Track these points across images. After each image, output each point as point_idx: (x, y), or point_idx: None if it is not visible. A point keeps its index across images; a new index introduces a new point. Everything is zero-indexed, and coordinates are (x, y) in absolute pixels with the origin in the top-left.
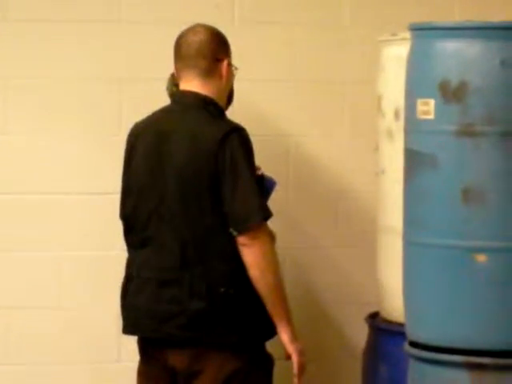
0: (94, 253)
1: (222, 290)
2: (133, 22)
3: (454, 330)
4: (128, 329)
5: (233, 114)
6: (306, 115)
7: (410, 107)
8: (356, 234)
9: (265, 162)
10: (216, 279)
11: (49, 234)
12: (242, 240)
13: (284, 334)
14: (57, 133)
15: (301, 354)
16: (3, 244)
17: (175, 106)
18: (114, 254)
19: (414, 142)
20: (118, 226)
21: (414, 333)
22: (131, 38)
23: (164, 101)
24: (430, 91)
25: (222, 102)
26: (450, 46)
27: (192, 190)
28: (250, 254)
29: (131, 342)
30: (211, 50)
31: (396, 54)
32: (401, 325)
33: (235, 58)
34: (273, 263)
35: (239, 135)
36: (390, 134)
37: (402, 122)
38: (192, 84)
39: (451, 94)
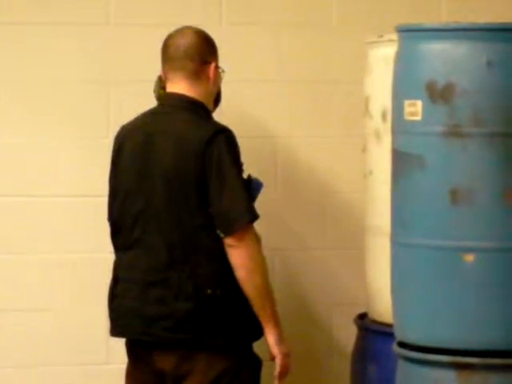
0: (82, 255)
1: (209, 291)
2: (120, 25)
3: (441, 331)
4: (116, 331)
5: (220, 115)
6: (293, 116)
7: (398, 108)
8: (344, 234)
9: (252, 163)
10: (203, 280)
11: (37, 236)
12: (228, 241)
13: (270, 336)
14: (45, 135)
15: (285, 356)
16: None
17: (162, 107)
18: (103, 257)
19: (402, 143)
20: (106, 229)
21: (403, 333)
22: (119, 40)
23: (152, 103)
24: (417, 92)
25: (208, 104)
26: (437, 48)
27: (179, 191)
28: (237, 255)
29: (120, 344)
30: (199, 52)
31: (383, 56)
32: (389, 325)
33: (222, 59)
34: (259, 264)
35: (226, 136)
36: (377, 135)
37: (389, 124)
38: (179, 86)
39: (438, 95)
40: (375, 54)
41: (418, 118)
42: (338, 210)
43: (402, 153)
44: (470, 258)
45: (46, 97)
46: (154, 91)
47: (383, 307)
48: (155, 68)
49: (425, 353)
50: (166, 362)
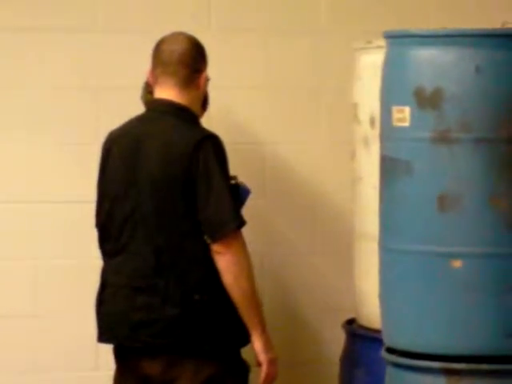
0: (70, 261)
1: (197, 296)
2: (108, 31)
3: (430, 336)
4: (103, 337)
5: (209, 121)
6: (282, 122)
7: (386, 114)
8: (333, 240)
9: (241, 169)
10: (190, 286)
11: (24, 242)
12: (216, 247)
13: (257, 342)
14: (33, 142)
15: (271, 363)
16: None
17: (150, 113)
18: (90, 263)
19: (390, 149)
20: (94, 235)
21: (391, 339)
22: (107, 46)
23: (140, 109)
24: (405, 98)
25: (196, 111)
26: (425, 54)
27: (166, 196)
28: (224, 261)
29: (108, 351)
30: (192, 60)
31: (371, 62)
32: (378, 331)
33: (211, 65)
34: (246, 270)
35: (213, 142)
36: (366, 142)
37: (377, 130)
38: (168, 92)
39: (426, 101)
40: (363, 60)
41: (407, 124)
42: (327, 215)
43: (391, 159)
44: (458, 263)
45: (35, 103)
46: (141, 98)
47: (372, 313)
48: (143, 74)
49: (413, 359)
50: (153, 368)
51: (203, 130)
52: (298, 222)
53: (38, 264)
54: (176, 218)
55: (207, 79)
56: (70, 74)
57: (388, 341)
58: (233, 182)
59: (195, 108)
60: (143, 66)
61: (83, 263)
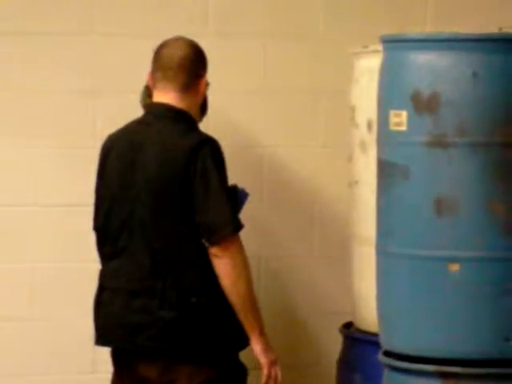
0: (67, 264)
1: (194, 299)
2: (106, 35)
3: (427, 340)
4: (100, 340)
5: (206, 125)
6: (279, 126)
7: (383, 119)
8: (330, 244)
9: (239, 172)
10: (187, 289)
11: (22, 245)
12: (213, 251)
13: (256, 345)
14: (31, 145)
15: (272, 365)
16: None
17: (149, 117)
18: (88, 266)
19: (387, 153)
20: (91, 238)
21: (388, 342)
22: (104, 50)
23: (138, 113)
24: (403, 103)
25: (195, 115)
26: (422, 58)
27: (163, 200)
28: (222, 264)
29: (105, 353)
30: (193, 65)
31: (368, 66)
32: (375, 334)
33: (209, 69)
34: (244, 273)
35: (211, 146)
36: (363, 145)
37: (375, 134)
38: (168, 97)
39: (423, 105)
40: (360, 64)
41: (404, 128)
42: (324, 219)
43: (388, 163)
44: (455, 267)
45: (31, 107)
46: (141, 101)
47: (369, 316)
48: (142, 78)
49: (410, 362)
50: (150, 371)
51: (201, 134)
52: (295, 226)
53: (35, 267)
54: (173, 222)
55: (207, 84)
56: (68, 78)
57: (385, 344)
58: (231, 185)
59: (194, 112)
60: (141, 70)
61: (80, 266)
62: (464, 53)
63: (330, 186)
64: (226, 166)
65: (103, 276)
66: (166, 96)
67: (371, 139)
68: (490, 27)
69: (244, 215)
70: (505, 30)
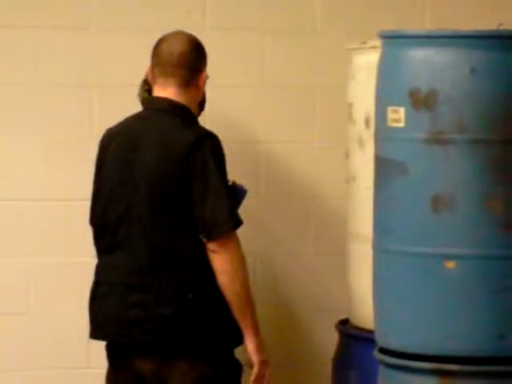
0: (63, 259)
1: (190, 295)
2: (104, 29)
3: (423, 337)
4: (95, 333)
5: (203, 119)
6: (276, 122)
7: (381, 115)
8: (327, 240)
9: (236, 168)
10: (184, 285)
11: (18, 240)
12: (211, 247)
13: (250, 343)
14: (27, 140)
15: (263, 365)
16: None
17: (148, 111)
18: (84, 260)
19: (385, 150)
20: (88, 233)
21: (384, 339)
22: (102, 44)
23: (136, 107)
24: (400, 99)
25: (194, 110)
26: (420, 54)
27: (162, 195)
28: (219, 260)
29: (100, 348)
30: (192, 60)
31: (366, 62)
32: (371, 331)
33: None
34: (241, 271)
35: (211, 141)
36: (360, 142)
37: (372, 130)
38: (168, 91)
39: (421, 102)
40: (358, 60)
41: (401, 124)
42: (321, 215)
43: (385, 159)
44: (451, 264)
45: (29, 100)
46: (139, 95)
47: (365, 313)
48: (139, 72)
49: (406, 359)
50: (145, 366)
51: (201, 129)
52: (291, 222)
53: (30, 261)
54: (172, 217)
55: (206, 78)
56: (66, 72)
57: (381, 341)
58: (229, 181)
59: (193, 107)
60: (139, 64)
61: (76, 261)
62: (462, 49)
63: (327, 182)
64: (225, 161)
65: (99, 270)
66: (165, 91)
67: (369, 135)
68: (489, 24)
69: (240, 211)
70: (503, 27)
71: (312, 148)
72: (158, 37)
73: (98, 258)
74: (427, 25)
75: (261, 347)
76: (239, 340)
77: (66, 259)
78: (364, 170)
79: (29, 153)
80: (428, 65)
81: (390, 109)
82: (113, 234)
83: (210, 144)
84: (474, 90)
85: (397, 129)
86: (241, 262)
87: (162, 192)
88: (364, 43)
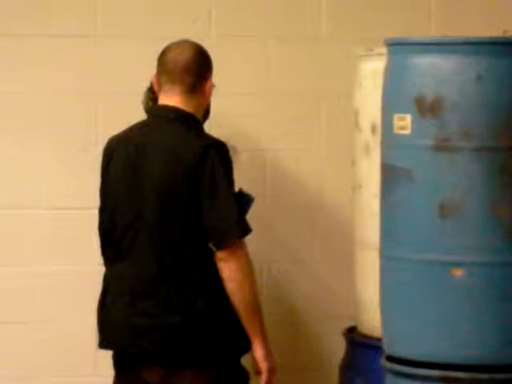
0: (70, 267)
1: (199, 303)
2: (108, 37)
3: (430, 345)
4: (104, 343)
5: (209, 128)
6: (282, 129)
7: (387, 122)
8: (333, 247)
9: (242, 176)
10: (192, 293)
11: (24, 248)
12: (220, 255)
13: (258, 351)
14: (32, 147)
15: (271, 372)
16: None
17: (153, 119)
18: (90, 269)
19: (391, 157)
20: (94, 241)
21: (391, 347)
22: (107, 52)
23: (140, 115)
24: (407, 106)
25: (199, 117)
26: (426, 61)
27: (169, 203)
28: (228, 268)
29: (107, 357)
30: (198, 68)
31: (372, 69)
32: (378, 339)
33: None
34: (249, 279)
35: (218, 150)
36: (366, 149)
37: (378, 137)
38: (174, 99)
39: (427, 109)
40: (364, 67)
41: (408, 131)
42: (328, 223)
43: (391, 166)
44: (458, 272)
45: (34, 109)
46: (142, 102)
47: (372, 321)
48: (144, 80)
49: (413, 367)
50: (152, 375)
51: (208, 137)
52: (298, 230)
53: (36, 270)
54: (179, 225)
55: (212, 86)
56: (71, 80)
57: (388, 349)
58: (236, 189)
59: (199, 115)
60: (143, 72)
61: (81, 269)
62: (468, 56)
63: (333, 190)
64: (233, 169)
65: (107, 279)
66: (171, 99)
67: (375, 143)
68: (494, 31)
69: (247, 219)
70: (509, 34)
71: (318, 155)
72: (163, 45)
73: (106, 266)
74: (433, 32)
75: (269, 354)
76: (246, 347)
77: (71, 268)
78: (370, 178)
79: (33, 161)
80: (434, 72)
81: (396, 116)
82: (120, 242)
83: (218, 152)
84: (480, 96)
85: (403, 136)
86: (249, 269)
87: (170, 200)
88: (370, 50)
